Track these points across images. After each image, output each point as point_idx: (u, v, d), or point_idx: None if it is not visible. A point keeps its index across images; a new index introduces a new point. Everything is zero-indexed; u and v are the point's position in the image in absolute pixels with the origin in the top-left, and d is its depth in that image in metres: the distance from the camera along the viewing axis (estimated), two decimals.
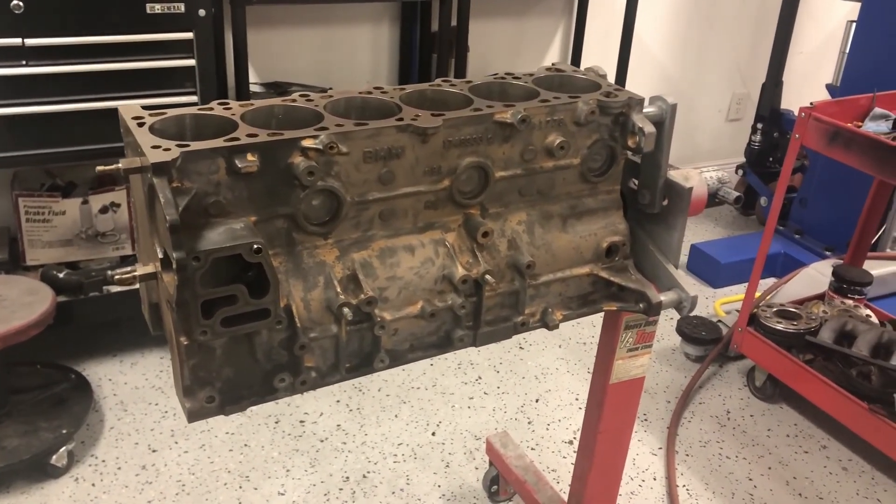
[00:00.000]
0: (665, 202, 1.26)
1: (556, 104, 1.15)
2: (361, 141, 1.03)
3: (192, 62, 2.21)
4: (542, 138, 1.16)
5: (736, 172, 3.61)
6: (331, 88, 2.83)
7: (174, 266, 0.88)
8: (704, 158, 3.99)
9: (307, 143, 0.99)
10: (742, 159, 3.59)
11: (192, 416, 1.00)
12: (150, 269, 1.01)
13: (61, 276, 2.33)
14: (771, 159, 3.48)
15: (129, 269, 1.02)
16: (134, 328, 2.60)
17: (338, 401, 2.40)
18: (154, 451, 2.16)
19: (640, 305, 1.25)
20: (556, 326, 1.23)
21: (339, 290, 1.05)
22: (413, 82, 2.75)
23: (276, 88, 2.71)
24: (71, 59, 2.10)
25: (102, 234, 2.43)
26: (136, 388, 2.39)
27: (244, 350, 1.02)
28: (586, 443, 1.64)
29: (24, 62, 2.06)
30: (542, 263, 1.20)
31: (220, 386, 1.02)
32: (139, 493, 2.02)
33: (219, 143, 0.95)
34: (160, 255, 0.95)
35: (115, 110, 2.16)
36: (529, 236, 1.19)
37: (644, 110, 1.20)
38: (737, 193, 3.46)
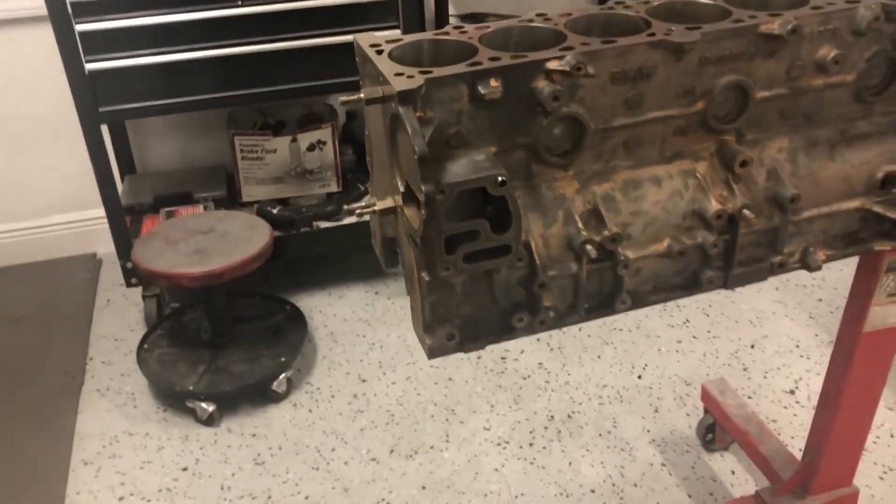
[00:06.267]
0: None
1: (831, 11, 0.99)
2: (609, 60, 0.93)
3: None
4: (812, 51, 1.01)
5: None
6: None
7: (421, 200, 0.84)
8: None
9: (552, 64, 0.91)
10: None
11: (433, 353, 0.97)
12: (388, 203, 0.98)
13: (275, 212, 2.43)
14: None
15: (366, 203, 1.00)
16: (339, 263, 2.69)
17: (538, 339, 2.36)
18: (364, 381, 2.23)
19: None
20: (819, 268, 1.09)
21: (580, 225, 0.98)
22: None
23: (473, 20, 2.64)
24: None
25: (310, 172, 2.50)
26: (344, 321, 2.47)
27: (483, 288, 0.97)
28: (829, 396, 1.48)
29: (238, 2, 2.12)
30: (807, 197, 1.05)
31: (458, 323, 0.98)
32: (352, 420, 2.10)
33: (461, 68, 0.89)
34: (402, 189, 0.92)
35: (321, 48, 2.22)
36: (792, 166, 1.05)
37: None
38: None
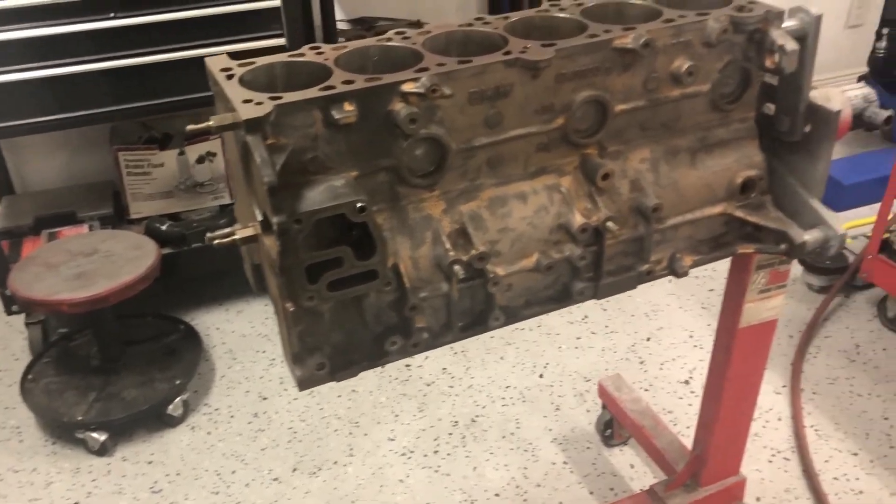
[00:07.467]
0: (807, 129, 1.11)
1: (682, 24, 1.02)
2: (466, 80, 0.93)
3: (277, 2, 2.13)
4: (667, 64, 1.03)
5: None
6: (418, 20, 2.70)
7: (275, 230, 0.82)
8: (819, 70, 3.67)
9: (407, 87, 0.90)
10: (863, 69, 3.27)
11: (303, 385, 0.95)
12: (249, 231, 0.95)
13: (164, 228, 2.35)
14: None
15: (227, 231, 0.97)
16: (237, 277, 2.61)
17: None
18: (265, 398, 2.18)
19: (782, 246, 1.12)
20: (686, 273, 1.12)
21: (448, 245, 0.97)
22: (504, 12, 2.60)
23: (363, 24, 2.61)
24: (157, 8, 2.06)
25: (201, 185, 2.43)
26: (243, 336, 2.41)
27: (353, 314, 0.96)
28: (712, 390, 1.53)
29: (112, 14, 2.03)
30: (670, 205, 1.08)
31: (329, 352, 0.96)
32: (253, 440, 2.05)
33: (313, 92, 0.87)
34: (259, 218, 0.89)
35: (204, 59, 2.16)
36: (654, 175, 1.08)
37: (783, 24, 1.05)
38: (887, 113, 3.11)
